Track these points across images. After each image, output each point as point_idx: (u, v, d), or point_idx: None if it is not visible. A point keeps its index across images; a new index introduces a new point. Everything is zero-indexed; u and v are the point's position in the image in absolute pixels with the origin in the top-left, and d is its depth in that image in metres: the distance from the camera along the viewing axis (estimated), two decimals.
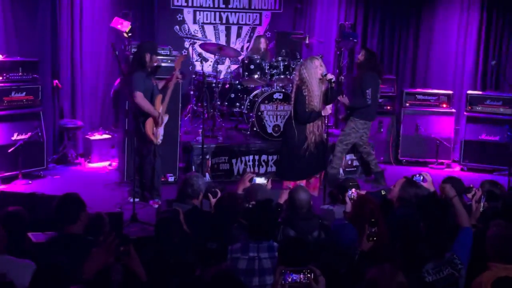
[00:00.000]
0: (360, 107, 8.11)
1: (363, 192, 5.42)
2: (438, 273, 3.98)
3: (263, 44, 9.71)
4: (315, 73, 6.72)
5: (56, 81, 8.97)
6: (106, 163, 8.96)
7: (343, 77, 9.82)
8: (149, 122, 7.04)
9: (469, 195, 5.25)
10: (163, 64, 7.91)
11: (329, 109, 6.78)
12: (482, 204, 5.01)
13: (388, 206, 5.12)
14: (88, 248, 3.54)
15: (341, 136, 8.27)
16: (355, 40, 10.09)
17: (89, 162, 9.00)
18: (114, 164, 8.86)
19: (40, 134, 8.19)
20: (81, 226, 4.11)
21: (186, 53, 8.08)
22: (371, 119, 8.31)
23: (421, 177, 5.41)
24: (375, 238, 4.01)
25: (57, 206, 4.15)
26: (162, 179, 8.02)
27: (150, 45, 7.37)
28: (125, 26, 9.16)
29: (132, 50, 7.65)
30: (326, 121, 6.90)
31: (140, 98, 6.96)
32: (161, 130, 7.16)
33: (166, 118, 7.21)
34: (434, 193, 5.08)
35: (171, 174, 8.11)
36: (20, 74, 8.06)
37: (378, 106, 8.57)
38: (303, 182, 6.77)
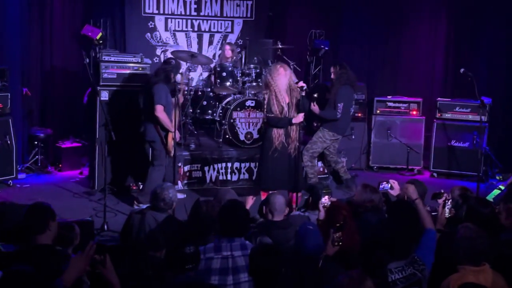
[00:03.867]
0: (329, 119, 8.14)
1: (335, 199, 5.45)
2: (401, 272, 4.04)
3: (227, 51, 9.69)
4: (280, 79, 6.73)
5: (26, 89, 8.86)
6: (76, 171, 8.88)
7: (312, 86, 9.88)
8: (171, 135, 7.28)
9: (440, 201, 5.32)
10: (134, 72, 7.94)
11: (300, 117, 6.78)
12: (448, 210, 5.08)
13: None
14: (57, 259, 3.49)
15: (308, 144, 8.28)
16: (326, 48, 10.18)
17: (59, 170, 8.91)
18: (84, 172, 8.77)
19: (9, 142, 8.07)
20: (50, 236, 4.04)
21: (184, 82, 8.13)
22: (341, 133, 8.31)
23: (389, 185, 5.47)
24: (340, 244, 4.03)
25: (25, 215, 4.08)
26: (134, 187, 8.02)
27: (177, 65, 7.65)
28: (96, 33, 9.16)
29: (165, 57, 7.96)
30: (300, 130, 6.88)
31: (160, 111, 7.15)
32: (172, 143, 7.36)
33: (178, 134, 7.46)
34: (403, 199, 5.14)
35: (143, 183, 8.04)
36: None
37: (350, 120, 8.60)
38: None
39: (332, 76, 8.33)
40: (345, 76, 8.21)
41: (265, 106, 6.83)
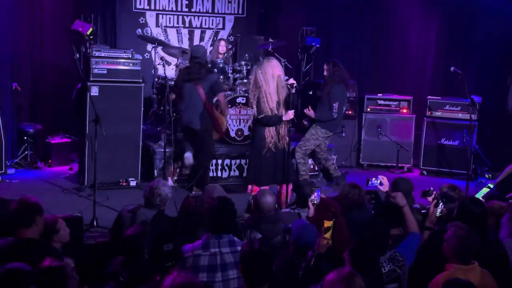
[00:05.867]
0: (325, 120, 8.17)
1: (324, 196, 5.47)
2: (381, 268, 4.06)
3: (222, 47, 9.69)
4: (271, 79, 6.72)
5: (15, 84, 8.81)
6: (66, 167, 8.84)
7: (302, 84, 9.89)
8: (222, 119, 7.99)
9: (429, 199, 5.34)
10: (125, 68, 7.91)
11: (290, 114, 6.78)
12: (439, 209, 5.09)
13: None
14: (42, 252, 3.48)
15: (300, 141, 8.30)
16: (317, 46, 10.19)
17: (49, 166, 8.87)
18: (74, 168, 8.74)
19: None
20: (37, 230, 4.04)
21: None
22: (333, 130, 8.35)
23: (378, 181, 5.49)
24: (330, 242, 4.04)
25: (13, 210, 4.08)
26: (124, 183, 8.00)
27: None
28: (86, 29, 9.10)
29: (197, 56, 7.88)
30: (289, 126, 6.89)
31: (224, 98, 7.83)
32: None
33: None
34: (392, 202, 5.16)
35: (133, 178, 8.04)
36: None
37: (342, 118, 8.62)
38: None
39: (325, 73, 8.34)
40: (339, 74, 8.23)
41: (255, 106, 6.83)
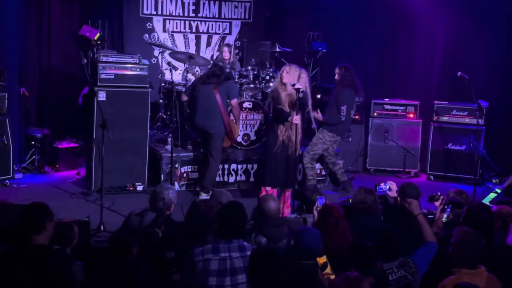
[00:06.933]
0: (333, 123, 8.19)
1: (328, 202, 5.49)
2: (391, 274, 4.06)
3: (225, 53, 9.71)
4: (293, 78, 6.88)
5: (23, 89, 8.86)
6: (73, 172, 8.87)
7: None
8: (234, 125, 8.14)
9: (436, 204, 5.33)
10: (132, 73, 7.94)
11: (296, 118, 6.83)
12: (446, 214, 5.08)
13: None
14: (53, 258, 3.48)
15: (308, 146, 8.32)
16: (324, 50, 10.19)
17: (56, 170, 8.90)
18: (81, 173, 8.77)
19: (6, 142, 8.07)
20: (47, 236, 4.03)
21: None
22: (340, 134, 8.37)
23: (387, 186, 5.48)
24: (332, 277, 3.96)
25: (22, 215, 4.08)
26: (131, 188, 8.03)
27: None
28: (93, 34, 9.15)
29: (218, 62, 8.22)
30: (299, 132, 6.96)
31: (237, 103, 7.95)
32: None
33: None
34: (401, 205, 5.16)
35: (140, 183, 8.06)
36: None
37: (350, 123, 8.65)
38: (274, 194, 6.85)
39: (336, 77, 8.37)
40: (349, 78, 8.26)
41: (272, 100, 7.01)
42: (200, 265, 4.11)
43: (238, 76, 8.93)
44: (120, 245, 4.02)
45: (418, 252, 4.40)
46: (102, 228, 6.48)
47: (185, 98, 8.14)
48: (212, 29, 10.81)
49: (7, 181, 8.14)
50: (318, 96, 9.82)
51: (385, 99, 10.04)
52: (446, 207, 5.10)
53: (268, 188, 7.07)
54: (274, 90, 7.10)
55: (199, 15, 10.67)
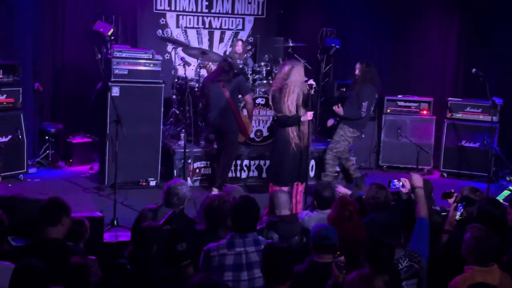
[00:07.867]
0: (354, 118, 8.18)
1: (344, 191, 5.54)
2: (397, 265, 4.05)
3: (238, 46, 9.70)
4: (301, 77, 6.77)
5: (37, 84, 8.91)
6: (87, 167, 8.92)
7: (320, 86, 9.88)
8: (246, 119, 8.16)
9: (450, 201, 5.31)
10: (145, 68, 7.96)
11: (309, 115, 6.80)
12: (459, 212, 5.05)
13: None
14: (67, 254, 3.51)
15: (331, 143, 8.34)
16: (337, 47, 10.17)
17: (69, 165, 8.95)
18: (95, 167, 8.81)
19: (20, 137, 8.13)
20: (62, 230, 4.07)
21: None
22: (360, 129, 8.40)
23: (400, 183, 5.47)
24: (344, 271, 3.95)
25: (41, 208, 4.13)
26: (144, 183, 8.06)
27: None
28: (107, 30, 9.19)
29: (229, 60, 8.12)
30: (310, 128, 6.93)
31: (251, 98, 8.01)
32: None
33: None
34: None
35: (153, 178, 8.09)
36: (0, 76, 8.01)
37: (369, 118, 8.66)
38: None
39: (357, 72, 8.35)
40: (370, 74, 8.26)
41: (275, 105, 6.85)
42: (215, 260, 4.12)
43: (251, 72, 8.93)
44: (142, 241, 4.05)
45: (413, 238, 4.41)
46: (115, 223, 6.51)
47: (203, 101, 8.20)
48: (225, 25, 10.81)
49: (21, 175, 8.19)
50: (343, 89, 9.76)
51: (399, 96, 10.00)
52: (459, 204, 5.07)
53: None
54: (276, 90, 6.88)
55: (212, 11, 10.67)
